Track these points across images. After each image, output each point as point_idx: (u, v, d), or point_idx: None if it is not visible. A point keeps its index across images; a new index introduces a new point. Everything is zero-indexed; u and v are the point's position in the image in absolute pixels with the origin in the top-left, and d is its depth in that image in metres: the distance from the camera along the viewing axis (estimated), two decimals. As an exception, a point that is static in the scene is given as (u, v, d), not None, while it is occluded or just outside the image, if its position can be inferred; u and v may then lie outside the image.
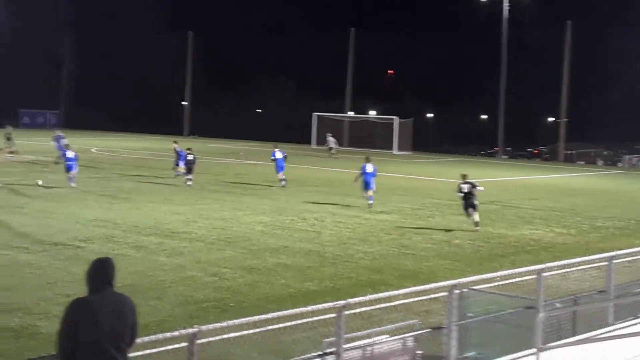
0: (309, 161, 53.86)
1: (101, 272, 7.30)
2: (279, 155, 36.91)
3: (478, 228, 25.31)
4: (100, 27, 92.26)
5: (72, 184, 32.47)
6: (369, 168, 30.17)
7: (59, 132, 46.24)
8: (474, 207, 25.49)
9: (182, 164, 36.61)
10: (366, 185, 29.91)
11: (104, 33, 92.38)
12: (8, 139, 46.39)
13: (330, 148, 61.16)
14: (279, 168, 36.56)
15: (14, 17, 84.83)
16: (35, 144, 57.62)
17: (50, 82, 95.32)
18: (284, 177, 36.36)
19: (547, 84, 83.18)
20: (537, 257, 20.85)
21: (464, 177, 26.08)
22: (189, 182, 34.66)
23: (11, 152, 45.63)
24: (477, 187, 25.78)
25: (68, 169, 33.11)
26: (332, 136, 63.00)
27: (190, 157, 35.37)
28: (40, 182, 33.18)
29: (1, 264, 17.95)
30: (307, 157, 58.75)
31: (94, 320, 6.98)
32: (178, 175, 36.89)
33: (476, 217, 25.47)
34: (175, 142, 39.93)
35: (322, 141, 71.27)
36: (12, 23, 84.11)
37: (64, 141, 40.76)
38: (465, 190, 25.63)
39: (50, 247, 20.09)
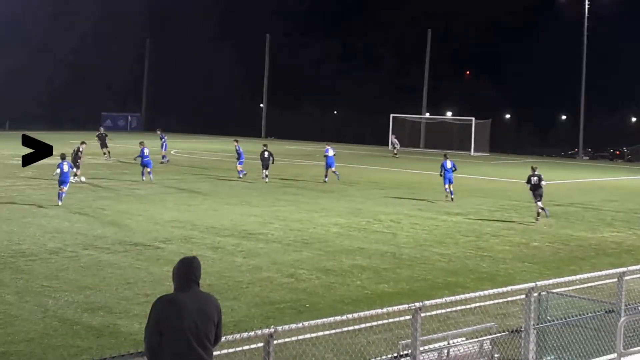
0: (384, 163, 53.72)
1: (188, 271, 7.41)
2: (331, 153, 39.09)
3: (544, 213, 27.94)
4: (177, 32, 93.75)
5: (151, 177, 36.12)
6: (448, 164, 32.52)
7: (160, 132, 49.75)
8: (540, 196, 27.98)
9: (239, 163, 39.08)
10: (446, 180, 32.52)
11: (181, 38, 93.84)
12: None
13: (394, 148, 62.67)
14: (331, 164, 38.83)
15: (98, 23, 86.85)
16: (117, 146, 58.84)
17: (131, 87, 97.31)
18: (336, 171, 38.81)
19: (630, 83, 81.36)
20: (618, 260, 20.39)
21: (533, 169, 28.63)
22: (266, 179, 37.22)
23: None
24: (542, 182, 28.20)
25: (146, 165, 36.58)
26: (396, 137, 64.44)
27: (266, 154, 37.80)
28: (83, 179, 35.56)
29: (84, 264, 18.40)
30: (382, 158, 58.62)
31: (179, 317, 7.10)
32: (243, 174, 38.95)
33: (540, 204, 27.93)
34: (236, 141, 41.01)
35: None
36: (96, 28, 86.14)
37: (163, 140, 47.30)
38: (534, 182, 28.10)
39: (130, 247, 20.52)
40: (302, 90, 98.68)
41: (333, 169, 38.70)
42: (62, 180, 28.46)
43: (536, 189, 27.99)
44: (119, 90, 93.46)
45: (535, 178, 28.11)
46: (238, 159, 39.30)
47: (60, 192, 28.27)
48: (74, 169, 30.69)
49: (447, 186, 32.61)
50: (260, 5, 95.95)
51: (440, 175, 33.09)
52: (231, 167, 45.07)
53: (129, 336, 12.98)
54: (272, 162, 38.26)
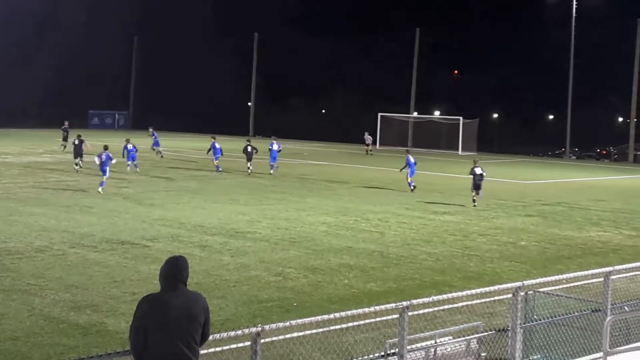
0: (372, 162, 53.77)
1: (174, 270, 7.37)
2: (275, 147, 42.10)
3: (476, 205, 30.84)
4: (165, 30, 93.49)
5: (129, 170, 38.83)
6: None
7: (152, 129, 52.73)
8: (479, 187, 31.38)
9: (215, 159, 42.02)
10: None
11: (170, 35, 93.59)
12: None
13: (368, 145, 64.32)
14: (273, 158, 41.70)
15: (85, 21, 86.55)
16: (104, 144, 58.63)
17: (119, 84, 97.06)
18: (277, 166, 41.66)
19: (617, 84, 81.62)
20: (604, 260, 20.48)
21: (475, 162, 32.40)
22: (249, 171, 40.52)
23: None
24: (484, 174, 31.77)
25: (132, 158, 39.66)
26: (370, 134, 65.95)
27: (249, 148, 41.02)
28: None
29: (71, 262, 18.34)
30: (370, 157, 58.69)
31: (165, 317, 7.09)
32: (219, 171, 41.47)
33: (481, 194, 31.41)
34: (213, 137, 43.71)
35: (386, 141, 71.32)
36: (83, 26, 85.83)
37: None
38: (478, 173, 31.43)
39: (117, 246, 20.46)
40: (291, 89, 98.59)
41: (274, 163, 41.53)
42: (102, 170, 31.89)
43: (478, 180, 31.37)
44: (107, 88, 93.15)
45: (479, 169, 31.57)
46: (214, 154, 42.13)
47: (102, 181, 31.41)
48: (113, 160, 33.14)
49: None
50: (250, 3, 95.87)
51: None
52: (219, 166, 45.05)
53: (115, 335, 12.95)
54: (256, 153, 41.21)
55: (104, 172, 31.80)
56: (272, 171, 41.12)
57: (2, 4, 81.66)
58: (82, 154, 40.33)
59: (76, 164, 39.75)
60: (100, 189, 30.79)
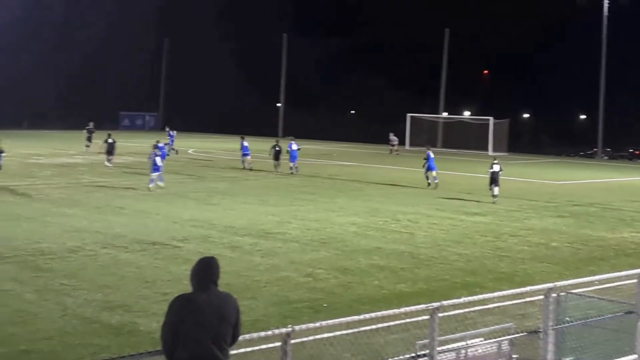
0: (401, 162, 53.61)
1: (206, 271, 7.43)
2: (294, 147, 43.09)
3: (496, 200, 31.96)
4: (195, 31, 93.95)
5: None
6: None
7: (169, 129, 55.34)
8: (497, 183, 32.34)
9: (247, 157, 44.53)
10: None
11: (199, 37, 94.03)
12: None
13: (393, 145, 65.21)
14: (293, 158, 42.80)
15: (115, 23, 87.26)
16: (134, 145, 59.12)
17: (149, 86, 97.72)
18: (297, 165, 42.76)
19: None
20: (638, 261, 20.25)
21: (494, 158, 34.42)
22: (277, 169, 42.87)
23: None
24: (501, 171, 32.96)
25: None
26: (395, 134, 66.75)
27: (277, 148, 43.63)
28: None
29: (103, 262, 18.49)
30: (400, 158, 58.52)
31: (196, 317, 7.13)
32: (249, 168, 43.64)
33: (496, 191, 32.30)
34: (242, 137, 46.44)
35: (416, 142, 71.10)
36: (113, 28, 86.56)
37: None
38: (495, 170, 32.68)
39: (148, 246, 20.59)
40: (320, 90, 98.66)
41: (294, 162, 42.80)
42: (154, 167, 33.31)
43: (495, 176, 32.68)
44: (137, 90, 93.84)
45: (497, 166, 32.96)
46: (244, 154, 44.76)
47: (151, 178, 33.14)
48: (164, 158, 35.84)
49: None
50: (277, 5, 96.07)
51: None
52: (239, 166, 45.20)
53: (147, 335, 13.03)
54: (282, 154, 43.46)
55: (157, 169, 33.26)
56: (292, 171, 42.37)
57: (33, 6, 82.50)
58: (114, 153, 42.58)
59: (108, 160, 42.25)
60: (151, 186, 32.68)
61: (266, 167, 44.03)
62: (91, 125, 56.85)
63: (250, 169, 43.42)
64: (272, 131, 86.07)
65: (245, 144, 44.78)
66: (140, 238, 21.61)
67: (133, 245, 20.68)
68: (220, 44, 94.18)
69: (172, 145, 52.46)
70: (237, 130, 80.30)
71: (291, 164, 42.59)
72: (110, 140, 43.00)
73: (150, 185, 32.54)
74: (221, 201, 29.97)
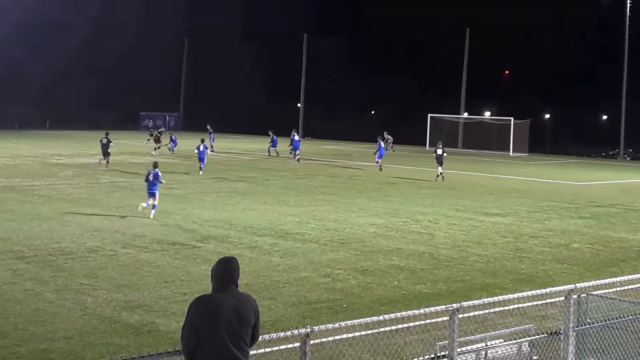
0: (422, 163, 53.47)
1: (225, 271, 7.45)
2: (296, 137, 51.08)
3: (439, 178, 40.20)
4: (216, 32, 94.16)
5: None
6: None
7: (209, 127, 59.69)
8: (441, 164, 40.72)
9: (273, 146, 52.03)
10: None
11: (220, 37, 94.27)
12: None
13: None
14: (295, 147, 50.13)
15: (136, 23, 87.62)
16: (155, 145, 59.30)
17: (170, 86, 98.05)
18: (298, 154, 50.03)
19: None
20: (660, 263, 20.10)
21: (438, 143, 41.92)
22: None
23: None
24: (445, 154, 41.27)
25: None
26: (388, 134, 68.33)
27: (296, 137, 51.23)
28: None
29: (123, 262, 18.56)
30: (420, 158, 58.38)
31: (216, 317, 7.15)
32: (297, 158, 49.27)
33: (440, 170, 40.54)
34: (271, 132, 54.39)
35: (434, 143, 70.95)
36: (134, 29, 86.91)
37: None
38: (439, 153, 40.82)
39: (168, 246, 20.64)
40: (340, 90, 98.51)
41: (297, 151, 50.09)
42: (200, 158, 40.20)
43: (440, 157, 40.70)
44: (158, 90, 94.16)
45: (441, 150, 40.76)
46: (272, 144, 52.90)
47: (200, 168, 40.10)
48: (209, 150, 41.75)
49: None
50: (296, 5, 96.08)
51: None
52: (269, 167, 45.28)
53: (166, 335, 13.06)
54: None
55: (202, 160, 40.22)
56: (295, 159, 49.00)
57: (55, 6, 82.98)
58: (109, 153, 42.36)
59: (103, 160, 42.45)
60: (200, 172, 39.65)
61: (289, 167, 44.01)
62: (150, 123, 60.61)
63: (298, 160, 48.86)
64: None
65: (296, 138, 51.08)
66: (160, 238, 21.68)
67: (153, 245, 20.74)
68: (240, 44, 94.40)
69: (212, 142, 56.26)
70: (257, 130, 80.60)
71: (295, 152, 49.96)
72: (104, 141, 42.14)
73: (200, 172, 39.68)
74: (241, 201, 30.01)
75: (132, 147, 60.70)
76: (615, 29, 75.34)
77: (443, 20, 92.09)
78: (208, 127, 60.56)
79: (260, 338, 7.56)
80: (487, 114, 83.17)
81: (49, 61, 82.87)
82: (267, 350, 10.76)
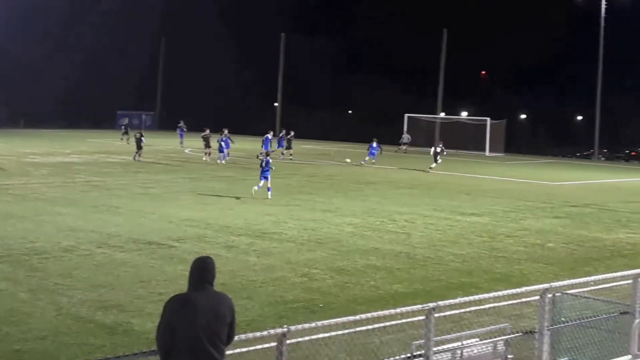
0: (399, 163, 53.63)
1: (201, 270, 7.45)
2: (270, 136, 50.89)
3: (429, 171, 45.86)
4: (192, 31, 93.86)
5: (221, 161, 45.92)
6: (374, 144, 48.71)
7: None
8: (436, 161, 46.38)
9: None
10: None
11: (196, 36, 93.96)
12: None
13: (405, 144, 69.28)
14: (265, 147, 48.70)
15: (113, 21, 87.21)
16: (132, 144, 59.01)
17: (146, 85, 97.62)
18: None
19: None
20: (633, 262, 20.25)
21: (438, 142, 48.37)
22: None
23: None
24: (444, 152, 47.70)
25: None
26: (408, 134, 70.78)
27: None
28: (348, 160, 50.39)
29: (98, 262, 18.44)
30: (397, 158, 58.52)
31: (192, 316, 7.14)
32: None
33: (434, 165, 46.30)
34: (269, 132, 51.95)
35: (414, 142, 71.31)
36: (110, 27, 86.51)
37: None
38: (437, 150, 46.70)
39: (144, 246, 20.54)
40: (317, 90, 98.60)
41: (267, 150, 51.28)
42: (220, 150, 44.06)
43: (437, 154, 46.51)
44: (134, 90, 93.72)
45: (440, 147, 46.88)
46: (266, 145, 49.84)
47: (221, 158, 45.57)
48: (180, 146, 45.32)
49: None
50: (274, 5, 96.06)
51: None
52: (245, 166, 45.19)
53: (142, 335, 12.99)
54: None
55: (221, 150, 45.33)
56: (260, 156, 47.75)
57: (31, 2, 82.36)
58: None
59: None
60: (222, 162, 44.58)
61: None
62: (126, 121, 60.89)
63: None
64: (270, 131, 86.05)
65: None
66: (136, 237, 21.56)
67: (128, 244, 20.63)
68: (217, 43, 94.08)
69: (181, 138, 60.04)
70: (234, 130, 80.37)
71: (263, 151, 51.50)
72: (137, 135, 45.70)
73: (222, 162, 45.22)
74: (218, 201, 29.93)
75: (108, 146, 60.41)
76: (591, 30, 75.90)
77: (421, 20, 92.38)
78: (181, 124, 61.57)
79: (236, 338, 7.55)
80: (464, 114, 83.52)
81: (23, 59, 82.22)
82: (244, 350, 10.73)
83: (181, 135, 62.36)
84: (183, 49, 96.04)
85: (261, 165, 31.41)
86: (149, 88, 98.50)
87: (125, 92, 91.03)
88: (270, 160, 31.59)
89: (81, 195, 30.47)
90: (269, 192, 30.68)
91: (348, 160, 50.69)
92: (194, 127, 79.05)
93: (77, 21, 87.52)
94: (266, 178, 30.87)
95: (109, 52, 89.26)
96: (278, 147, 53.53)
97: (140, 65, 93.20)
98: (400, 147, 69.12)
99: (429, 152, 49.37)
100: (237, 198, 30.82)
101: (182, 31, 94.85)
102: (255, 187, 30.87)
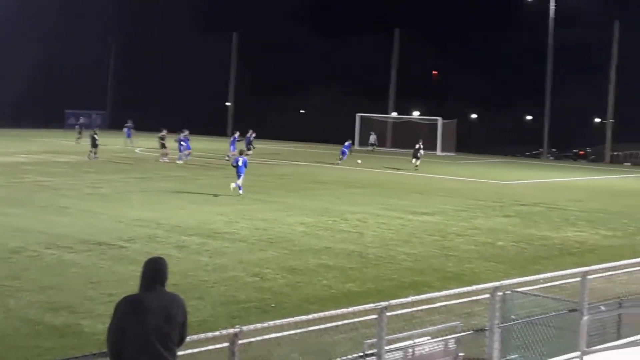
0: (350, 162, 53.73)
1: (152, 271, 7.40)
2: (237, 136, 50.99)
3: (417, 169, 47.94)
4: (143, 28, 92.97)
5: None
6: (347, 143, 51.35)
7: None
8: (417, 157, 49.17)
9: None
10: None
11: (147, 34, 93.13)
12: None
13: (372, 144, 70.50)
14: (232, 148, 48.73)
15: (62, 20, 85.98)
16: (79, 144, 58.33)
17: (96, 84, 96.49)
18: (231, 155, 47.70)
19: (594, 85, 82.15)
20: (581, 260, 20.55)
21: (419, 141, 50.30)
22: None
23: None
24: (422, 151, 50.15)
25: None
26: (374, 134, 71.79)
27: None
28: (359, 162, 51.58)
29: (47, 263, 18.18)
30: (349, 158, 58.62)
31: (142, 318, 7.08)
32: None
33: (417, 163, 49.11)
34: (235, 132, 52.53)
35: (364, 142, 71.57)
36: (59, 25, 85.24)
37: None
38: (417, 147, 49.43)
39: (94, 246, 20.31)
40: (269, 89, 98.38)
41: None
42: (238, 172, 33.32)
43: (417, 151, 49.44)
44: (84, 88, 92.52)
45: (419, 145, 49.50)
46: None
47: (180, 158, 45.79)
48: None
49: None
50: (228, 4, 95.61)
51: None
52: (197, 166, 44.94)
53: (92, 336, 12.84)
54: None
55: (180, 150, 45.35)
56: (227, 158, 48.04)
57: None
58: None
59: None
60: (180, 162, 45.01)
61: (216, 167, 43.74)
62: (81, 120, 58.95)
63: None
64: (222, 130, 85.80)
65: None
66: (86, 238, 21.30)
67: (78, 245, 20.37)
68: (170, 41, 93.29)
69: (129, 137, 60.02)
70: (191, 130, 79.87)
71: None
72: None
73: (180, 161, 45.35)
74: (169, 201, 29.72)
75: (56, 145, 59.60)
76: (539, 29, 76.91)
77: (373, 20, 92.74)
78: (128, 123, 61.52)
79: (188, 338, 7.50)
80: (416, 113, 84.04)
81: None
82: (195, 350, 10.64)
83: (129, 135, 61.88)
84: (134, 47, 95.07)
85: (234, 165, 32.54)
86: (99, 87, 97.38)
87: (74, 91, 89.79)
88: (247, 159, 32.97)
89: (29, 195, 30.01)
90: (240, 190, 31.77)
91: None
92: (146, 127, 78.53)
93: (25, 20, 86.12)
94: (239, 176, 31.85)
95: (57, 50, 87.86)
96: (247, 147, 52.61)
97: (89, 64, 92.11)
98: (369, 147, 70.20)
99: (389, 153, 50.52)
100: (191, 197, 30.64)
101: (133, 28, 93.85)
102: (233, 184, 31.76)
